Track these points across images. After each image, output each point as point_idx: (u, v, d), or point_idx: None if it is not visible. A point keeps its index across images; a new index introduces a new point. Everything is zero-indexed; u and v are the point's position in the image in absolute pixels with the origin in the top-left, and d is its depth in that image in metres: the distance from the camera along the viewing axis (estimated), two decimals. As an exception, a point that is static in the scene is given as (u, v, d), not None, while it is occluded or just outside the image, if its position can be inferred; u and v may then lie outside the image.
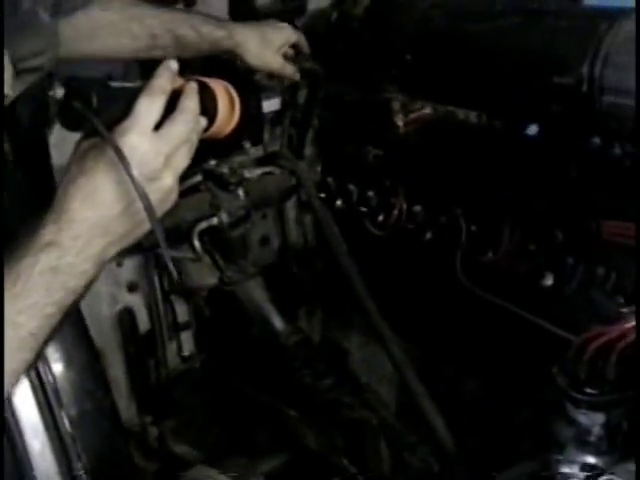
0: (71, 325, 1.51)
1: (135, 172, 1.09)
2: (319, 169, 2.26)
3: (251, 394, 2.01)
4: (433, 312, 2.06)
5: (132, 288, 2.08)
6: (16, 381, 1.06)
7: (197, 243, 1.92)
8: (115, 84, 1.29)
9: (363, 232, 2.12)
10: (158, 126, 1.15)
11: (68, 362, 1.47)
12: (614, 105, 1.60)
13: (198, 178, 2.03)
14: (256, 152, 2.19)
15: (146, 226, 1.15)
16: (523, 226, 1.86)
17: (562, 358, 1.69)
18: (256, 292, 2.06)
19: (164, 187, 1.15)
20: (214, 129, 1.31)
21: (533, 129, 1.96)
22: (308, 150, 2.29)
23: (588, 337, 1.64)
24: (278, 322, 2.04)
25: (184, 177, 1.96)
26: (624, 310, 1.66)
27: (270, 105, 2.19)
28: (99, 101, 1.17)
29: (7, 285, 1.03)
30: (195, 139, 1.21)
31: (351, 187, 2.21)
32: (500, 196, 1.89)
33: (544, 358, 1.90)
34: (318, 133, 2.30)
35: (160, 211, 1.16)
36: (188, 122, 1.18)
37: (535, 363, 1.92)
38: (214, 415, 2.11)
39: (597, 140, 1.79)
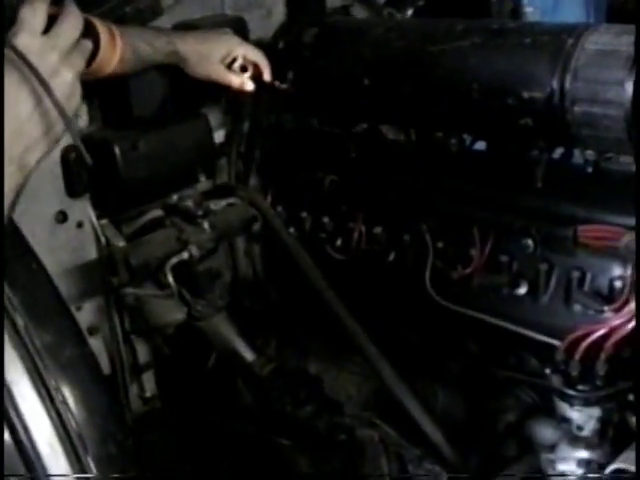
0: (88, 367, 1.46)
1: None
2: (268, 199, 2.26)
3: (234, 427, 1.97)
4: (406, 331, 2.08)
5: (92, 332, 2.02)
6: None
7: (171, 279, 1.88)
8: None
9: (322, 258, 2.13)
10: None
11: (90, 406, 1.43)
12: (587, 114, 1.68)
13: (158, 212, 2.02)
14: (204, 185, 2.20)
15: (60, 126, 1.18)
16: (493, 238, 1.92)
17: (552, 360, 1.76)
18: (223, 325, 2.03)
19: (66, 82, 1.18)
20: (98, 61, 1.48)
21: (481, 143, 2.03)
22: (252, 180, 2.30)
23: (577, 337, 1.71)
24: (248, 353, 2.02)
25: (143, 212, 2.00)
26: (605, 309, 1.75)
27: (215, 137, 2.20)
28: None
29: None
30: (86, 48, 1.24)
31: (303, 214, 2.23)
32: (467, 211, 1.95)
33: (519, 364, 1.97)
34: (260, 163, 2.30)
35: (68, 108, 1.18)
36: (74, 21, 1.20)
37: (511, 369, 1.99)
38: (188, 454, 2.06)
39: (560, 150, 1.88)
